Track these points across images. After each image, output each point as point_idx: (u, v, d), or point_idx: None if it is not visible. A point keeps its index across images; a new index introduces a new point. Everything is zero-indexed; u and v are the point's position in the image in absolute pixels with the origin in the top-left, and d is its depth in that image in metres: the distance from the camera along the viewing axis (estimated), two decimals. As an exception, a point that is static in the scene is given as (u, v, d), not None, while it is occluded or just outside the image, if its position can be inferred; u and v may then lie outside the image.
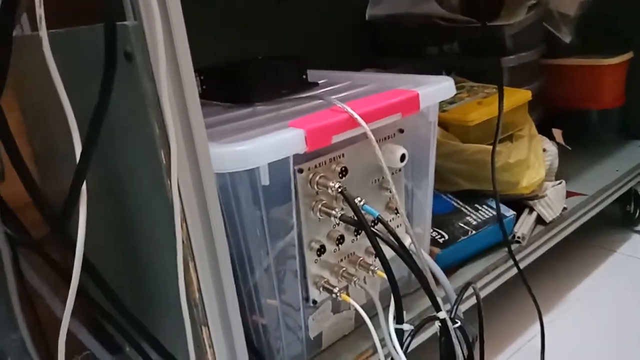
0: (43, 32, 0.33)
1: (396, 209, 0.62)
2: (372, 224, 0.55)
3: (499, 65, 0.90)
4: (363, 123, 0.51)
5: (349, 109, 0.51)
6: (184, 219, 0.41)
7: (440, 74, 0.90)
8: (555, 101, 1.09)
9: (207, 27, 0.84)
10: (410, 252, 0.55)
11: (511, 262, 0.77)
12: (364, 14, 1.10)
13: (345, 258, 0.59)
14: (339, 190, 0.51)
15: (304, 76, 0.70)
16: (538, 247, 0.83)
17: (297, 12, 0.98)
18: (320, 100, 0.62)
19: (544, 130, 0.96)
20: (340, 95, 0.65)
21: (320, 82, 0.72)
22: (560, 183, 0.88)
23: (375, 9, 1.09)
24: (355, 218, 0.51)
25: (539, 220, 0.84)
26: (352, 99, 0.56)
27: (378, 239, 0.52)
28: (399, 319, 0.54)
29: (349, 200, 0.51)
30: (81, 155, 0.36)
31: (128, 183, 0.48)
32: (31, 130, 0.68)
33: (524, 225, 0.82)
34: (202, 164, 0.41)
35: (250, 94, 0.65)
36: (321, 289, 0.57)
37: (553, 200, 0.85)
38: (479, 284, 0.73)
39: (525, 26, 0.95)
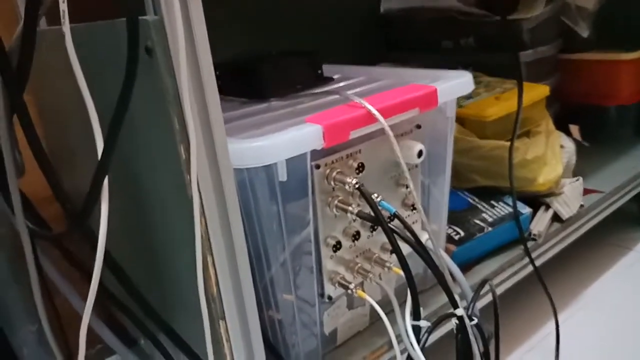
0: (66, 28, 0.33)
1: (412, 205, 0.62)
2: (388, 220, 0.54)
3: (517, 60, 0.89)
4: (381, 118, 0.51)
5: (367, 105, 0.51)
6: (202, 214, 0.41)
7: (456, 68, 0.90)
8: (572, 97, 1.07)
9: (221, 22, 0.83)
10: (427, 248, 0.55)
11: (527, 259, 0.76)
12: (378, 8, 1.09)
13: (360, 254, 0.59)
14: (356, 186, 0.51)
15: (319, 71, 0.69)
16: (554, 245, 0.82)
17: (311, 6, 0.98)
18: (337, 96, 0.62)
19: (561, 126, 0.95)
20: (356, 90, 0.65)
21: (335, 77, 0.72)
22: (577, 180, 0.87)
23: (390, 3, 1.09)
24: (372, 214, 0.51)
25: (556, 217, 0.83)
26: (368, 94, 0.55)
27: (395, 235, 0.51)
28: (415, 316, 0.54)
29: (366, 197, 0.51)
30: (103, 151, 0.36)
31: (147, 178, 0.49)
32: (46, 126, 0.68)
33: (540, 222, 0.81)
34: (221, 160, 0.41)
35: (266, 89, 0.65)
36: (336, 284, 0.57)
37: (570, 198, 0.84)
38: (494, 281, 0.73)
39: (543, 20, 0.93)
